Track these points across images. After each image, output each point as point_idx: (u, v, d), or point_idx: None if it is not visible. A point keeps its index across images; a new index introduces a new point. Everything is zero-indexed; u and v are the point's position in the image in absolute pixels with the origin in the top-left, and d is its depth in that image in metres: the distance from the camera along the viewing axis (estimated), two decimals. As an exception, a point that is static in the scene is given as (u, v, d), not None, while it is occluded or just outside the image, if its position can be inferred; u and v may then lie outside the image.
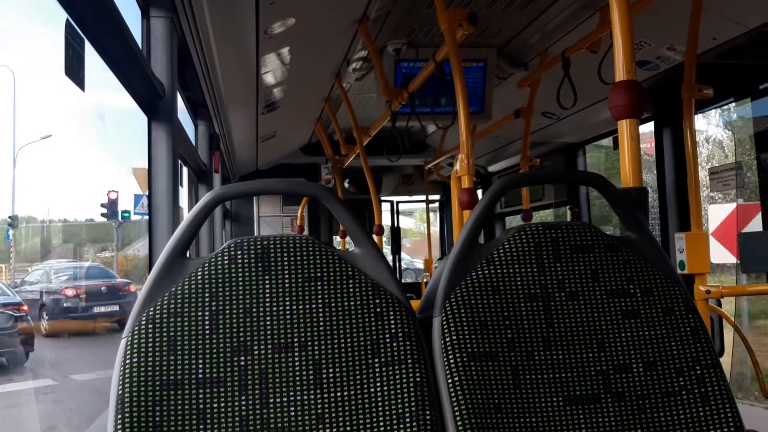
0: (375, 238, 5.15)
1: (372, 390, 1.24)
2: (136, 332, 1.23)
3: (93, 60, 1.82)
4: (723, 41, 3.05)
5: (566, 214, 5.73)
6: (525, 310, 1.34)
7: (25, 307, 9.47)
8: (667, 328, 1.36)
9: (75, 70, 1.69)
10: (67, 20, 1.66)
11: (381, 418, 1.22)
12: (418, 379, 1.25)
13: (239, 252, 1.31)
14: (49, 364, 9.66)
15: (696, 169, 2.89)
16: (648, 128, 4.05)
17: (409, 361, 1.26)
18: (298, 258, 1.32)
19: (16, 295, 10.17)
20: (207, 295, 1.27)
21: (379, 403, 1.23)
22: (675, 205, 3.82)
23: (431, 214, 8.29)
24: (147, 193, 2.43)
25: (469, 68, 3.96)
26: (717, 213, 4.85)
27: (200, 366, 1.22)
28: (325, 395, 1.23)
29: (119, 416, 1.16)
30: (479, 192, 6.83)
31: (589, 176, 1.56)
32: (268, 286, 1.29)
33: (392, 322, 1.29)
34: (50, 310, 11.87)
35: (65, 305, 11.92)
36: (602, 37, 3.18)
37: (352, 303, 1.30)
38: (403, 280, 10.37)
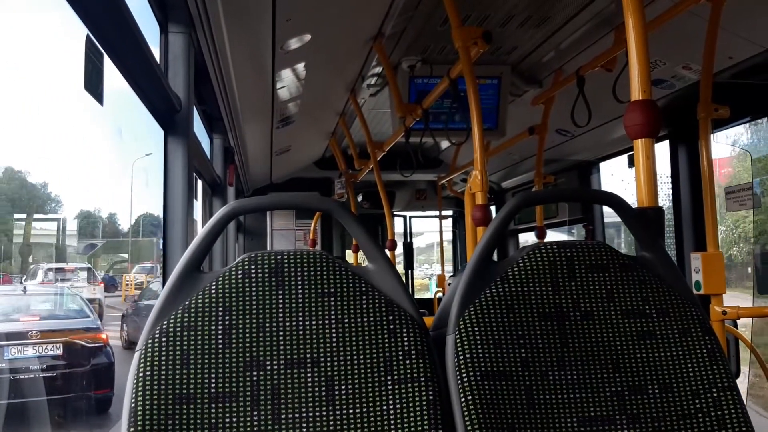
0: (388, 253, 5.15)
1: (384, 407, 1.23)
2: (149, 346, 1.23)
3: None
4: (739, 60, 3.04)
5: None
6: (539, 330, 1.33)
7: (104, 336, 7.27)
8: (683, 350, 1.34)
9: (94, 84, 1.71)
10: (88, 35, 1.69)
11: None
12: (431, 397, 1.24)
13: (253, 266, 1.31)
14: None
15: (712, 188, 2.86)
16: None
17: (422, 379, 1.25)
18: (312, 273, 1.32)
19: (97, 318, 7.89)
20: (220, 309, 1.27)
21: (392, 421, 1.22)
22: (690, 224, 3.79)
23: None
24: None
25: (483, 85, 3.97)
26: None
27: (213, 380, 1.22)
28: (338, 412, 1.23)
29: (131, 429, 1.16)
30: (492, 208, 6.81)
31: (605, 195, 1.55)
32: (281, 301, 1.29)
33: (405, 339, 1.29)
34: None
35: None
36: (617, 55, 3.18)
37: (365, 319, 1.29)
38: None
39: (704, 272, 2.74)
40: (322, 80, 4.08)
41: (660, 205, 1.55)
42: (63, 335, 6.80)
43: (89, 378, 6.77)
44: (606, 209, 5.39)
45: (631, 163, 4.57)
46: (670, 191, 3.96)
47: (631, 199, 1.58)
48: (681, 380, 1.32)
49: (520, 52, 3.88)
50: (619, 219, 1.47)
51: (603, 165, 5.40)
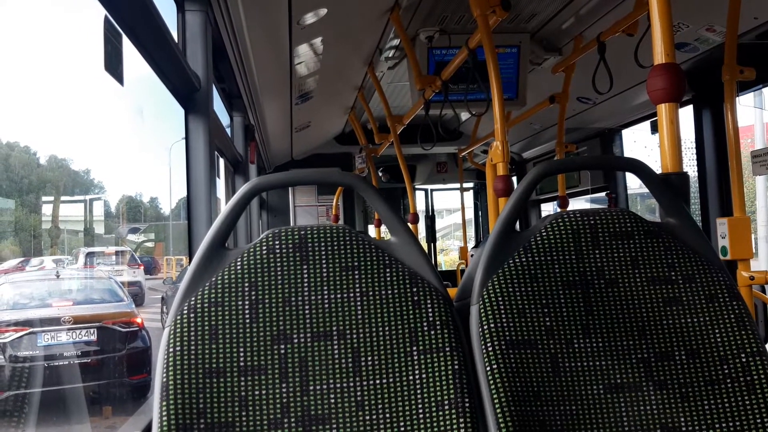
0: (411, 226, 5.15)
1: (411, 378, 1.25)
2: (178, 321, 1.26)
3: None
4: (765, 20, 2.97)
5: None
6: (564, 298, 1.33)
7: (139, 320, 6.84)
8: (710, 315, 1.33)
9: (114, 65, 1.72)
10: (106, 16, 1.70)
11: (420, 406, 1.23)
12: (456, 366, 1.25)
13: (277, 242, 1.32)
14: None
15: (738, 152, 2.82)
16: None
17: (447, 349, 1.27)
18: (335, 247, 1.33)
19: (131, 302, 7.43)
20: (246, 284, 1.29)
21: (418, 391, 1.24)
22: (716, 189, 3.74)
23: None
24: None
25: (502, 54, 3.92)
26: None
27: (241, 354, 1.24)
28: (365, 383, 1.24)
29: (164, 403, 1.19)
30: (514, 179, 6.77)
31: (628, 162, 1.53)
32: (306, 275, 1.30)
33: (430, 310, 1.30)
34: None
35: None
36: (639, 19, 3.12)
37: (389, 292, 1.30)
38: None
39: (731, 237, 2.71)
40: (340, 54, 4.06)
41: (684, 170, 1.54)
42: (96, 319, 6.55)
43: (124, 363, 6.52)
44: (629, 176, 5.34)
45: (655, 129, 4.51)
46: (695, 156, 3.91)
47: (655, 165, 1.57)
48: (709, 346, 1.31)
49: (539, 19, 3.83)
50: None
51: (625, 132, 5.33)
